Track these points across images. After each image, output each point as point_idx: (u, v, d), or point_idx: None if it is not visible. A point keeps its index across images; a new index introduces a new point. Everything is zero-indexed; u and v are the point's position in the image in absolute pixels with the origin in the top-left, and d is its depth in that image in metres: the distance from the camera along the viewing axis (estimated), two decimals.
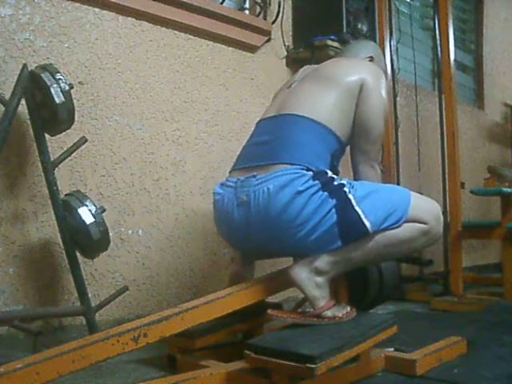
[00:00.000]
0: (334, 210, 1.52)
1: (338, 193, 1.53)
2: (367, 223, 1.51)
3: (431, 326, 2.27)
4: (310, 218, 1.51)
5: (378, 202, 1.55)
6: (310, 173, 1.54)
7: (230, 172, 1.73)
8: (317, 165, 1.57)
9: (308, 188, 1.52)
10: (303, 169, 1.54)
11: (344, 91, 1.67)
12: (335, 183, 1.55)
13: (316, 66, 1.85)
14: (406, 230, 1.56)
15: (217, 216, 1.71)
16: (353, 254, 1.55)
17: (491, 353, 1.78)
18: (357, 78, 1.69)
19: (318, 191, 1.52)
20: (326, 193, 1.53)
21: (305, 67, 1.91)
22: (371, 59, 1.87)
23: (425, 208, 1.61)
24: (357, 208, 1.51)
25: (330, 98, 1.67)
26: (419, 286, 3.19)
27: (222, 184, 1.70)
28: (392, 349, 1.71)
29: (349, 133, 1.70)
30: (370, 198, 1.54)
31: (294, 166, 1.54)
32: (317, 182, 1.53)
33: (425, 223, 1.58)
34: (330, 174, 1.57)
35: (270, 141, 1.64)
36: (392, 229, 1.54)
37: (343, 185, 1.54)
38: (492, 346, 1.87)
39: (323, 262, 1.53)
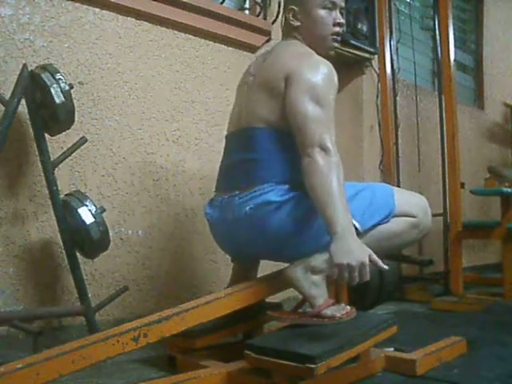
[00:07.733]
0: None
1: None
2: (356, 224, 1.52)
3: (431, 326, 2.27)
4: (296, 229, 1.54)
5: (363, 202, 1.58)
6: (286, 186, 1.56)
7: (215, 190, 1.76)
8: (290, 174, 1.58)
9: (288, 200, 1.54)
10: (278, 183, 1.56)
11: (277, 93, 1.59)
12: None
13: (256, 65, 1.75)
14: (396, 223, 1.60)
15: (211, 231, 1.77)
16: None
17: (491, 353, 1.78)
18: (282, 76, 1.58)
19: (300, 201, 1.54)
20: (310, 202, 1.52)
21: (251, 64, 1.81)
22: (293, 11, 1.68)
23: (411, 202, 1.65)
24: None
25: (271, 102, 1.60)
26: (419, 285, 3.19)
27: (210, 203, 1.75)
28: (392, 349, 1.71)
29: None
30: (355, 199, 1.57)
31: (269, 183, 1.56)
32: (295, 193, 1.55)
33: (413, 216, 1.62)
34: None
35: (243, 161, 1.64)
36: (382, 224, 1.58)
37: None
38: (492, 345, 1.87)
39: (318, 260, 1.54)
